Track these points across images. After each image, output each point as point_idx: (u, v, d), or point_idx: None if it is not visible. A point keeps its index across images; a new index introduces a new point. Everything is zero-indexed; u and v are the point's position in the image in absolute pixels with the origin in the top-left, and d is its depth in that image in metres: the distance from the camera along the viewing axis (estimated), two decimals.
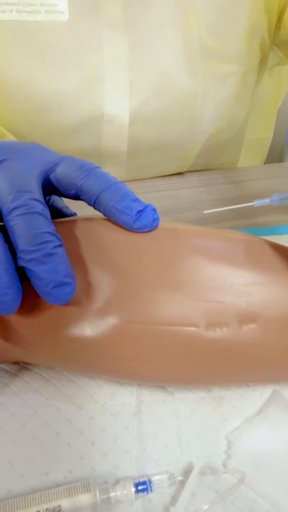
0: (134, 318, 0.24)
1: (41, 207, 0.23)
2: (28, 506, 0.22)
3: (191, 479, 0.23)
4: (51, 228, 0.23)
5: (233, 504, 0.23)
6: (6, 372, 0.28)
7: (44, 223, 0.22)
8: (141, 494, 0.23)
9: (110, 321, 0.24)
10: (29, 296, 0.23)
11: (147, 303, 0.24)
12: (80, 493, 0.22)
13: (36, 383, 0.28)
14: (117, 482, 0.23)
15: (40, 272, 0.22)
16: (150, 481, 0.23)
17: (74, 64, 0.41)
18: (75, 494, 0.22)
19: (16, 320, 0.24)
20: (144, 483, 0.23)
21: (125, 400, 0.27)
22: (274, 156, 0.75)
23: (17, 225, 0.22)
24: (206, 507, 0.22)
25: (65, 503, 0.22)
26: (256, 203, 0.26)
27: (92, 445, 0.25)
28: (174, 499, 0.23)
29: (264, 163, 0.69)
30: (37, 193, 0.24)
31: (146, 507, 0.23)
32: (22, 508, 0.21)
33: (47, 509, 0.21)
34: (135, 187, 0.47)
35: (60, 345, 0.24)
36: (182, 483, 0.23)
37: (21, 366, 0.29)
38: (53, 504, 0.22)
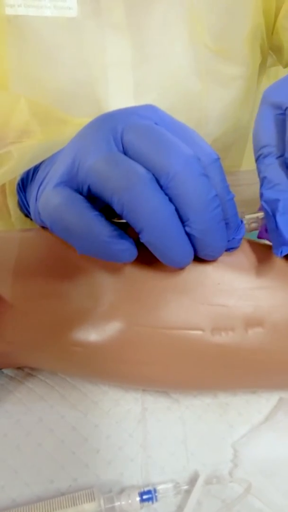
0: (139, 321, 0.23)
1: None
2: None
3: (197, 488, 0.23)
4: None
5: None
6: (11, 379, 0.28)
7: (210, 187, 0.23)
8: (146, 503, 0.22)
9: (114, 325, 0.23)
10: (33, 299, 0.23)
11: (152, 307, 0.24)
12: (84, 502, 0.22)
13: (41, 390, 0.28)
14: (122, 490, 0.23)
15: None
16: (155, 490, 0.23)
17: (79, 65, 0.41)
18: (79, 503, 0.22)
19: (20, 323, 0.24)
20: (149, 492, 0.23)
21: (130, 407, 0.27)
22: None
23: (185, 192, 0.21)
24: None
25: None
26: None
27: (97, 453, 0.25)
28: (179, 509, 0.23)
29: None
30: None
31: None
32: None
33: None
34: None
35: (64, 349, 0.24)
36: (188, 492, 0.23)
37: (26, 372, 0.29)
38: None
